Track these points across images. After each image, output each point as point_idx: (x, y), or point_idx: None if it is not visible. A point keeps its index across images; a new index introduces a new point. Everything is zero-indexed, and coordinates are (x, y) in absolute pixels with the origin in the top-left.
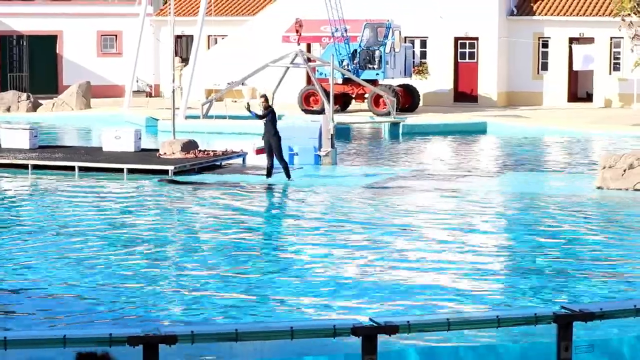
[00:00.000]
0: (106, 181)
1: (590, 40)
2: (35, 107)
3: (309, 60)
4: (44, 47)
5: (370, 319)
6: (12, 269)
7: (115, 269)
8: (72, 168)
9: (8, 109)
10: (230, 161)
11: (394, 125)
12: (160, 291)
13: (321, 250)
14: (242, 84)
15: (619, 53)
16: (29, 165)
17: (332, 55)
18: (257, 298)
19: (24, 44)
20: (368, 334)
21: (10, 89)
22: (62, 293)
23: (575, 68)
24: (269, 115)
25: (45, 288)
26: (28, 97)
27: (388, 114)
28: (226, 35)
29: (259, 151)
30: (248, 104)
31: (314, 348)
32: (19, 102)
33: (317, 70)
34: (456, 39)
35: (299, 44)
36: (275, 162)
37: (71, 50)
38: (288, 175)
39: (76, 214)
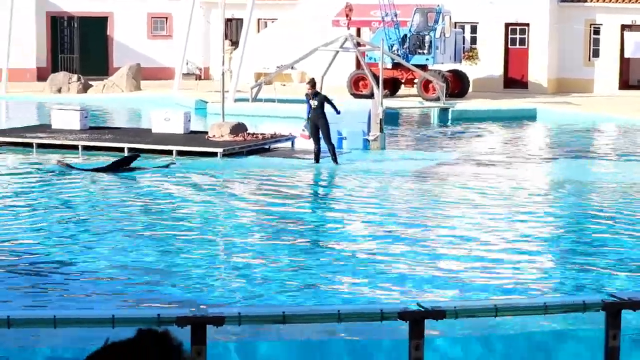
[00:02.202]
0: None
1: None
2: (85, 88)
3: (358, 44)
4: (95, 29)
5: (418, 304)
6: (62, 249)
7: (164, 249)
8: (121, 149)
9: (59, 90)
10: (279, 145)
11: (443, 111)
12: (209, 272)
13: (368, 235)
14: (292, 67)
15: None
16: (79, 146)
17: (381, 39)
18: (304, 281)
19: (75, 25)
20: (415, 319)
21: (61, 71)
22: (110, 273)
23: (627, 55)
24: (320, 101)
25: (95, 270)
26: (79, 79)
27: (437, 99)
28: (276, 19)
29: (303, 135)
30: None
31: (362, 332)
32: (69, 83)
33: (367, 55)
34: (507, 25)
35: (348, 28)
36: (323, 146)
37: (122, 32)
38: (335, 160)
39: (125, 196)
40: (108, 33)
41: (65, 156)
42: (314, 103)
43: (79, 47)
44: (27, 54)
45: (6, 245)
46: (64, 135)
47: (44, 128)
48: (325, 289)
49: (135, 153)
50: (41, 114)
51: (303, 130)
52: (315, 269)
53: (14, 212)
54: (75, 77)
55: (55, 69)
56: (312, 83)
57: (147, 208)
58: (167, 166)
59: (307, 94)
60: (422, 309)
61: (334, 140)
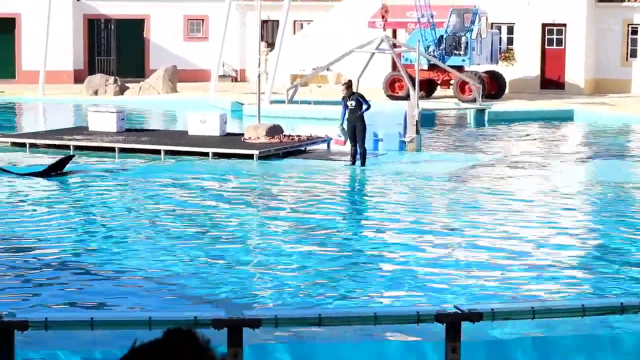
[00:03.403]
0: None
1: None
2: (122, 90)
3: (394, 46)
4: (132, 31)
5: (455, 306)
6: (97, 251)
7: (202, 252)
8: (157, 151)
9: (96, 93)
10: (315, 146)
11: (480, 112)
12: (245, 274)
13: (405, 236)
14: (328, 69)
15: None
16: (116, 148)
17: (417, 41)
18: (340, 283)
19: (112, 27)
20: (452, 321)
21: (98, 73)
22: (146, 275)
23: None
24: (356, 100)
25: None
26: (115, 81)
27: (474, 100)
28: (312, 21)
29: (338, 141)
30: (342, 126)
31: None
32: (106, 85)
33: (403, 56)
34: (543, 25)
35: (384, 30)
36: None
37: (158, 34)
38: (363, 163)
39: (164, 196)
40: (144, 35)
41: (102, 159)
42: (350, 104)
43: (116, 49)
44: (65, 57)
45: (43, 248)
46: (100, 138)
47: (81, 130)
48: (361, 292)
49: (70, 154)
50: (78, 116)
51: (339, 136)
52: (350, 272)
53: (49, 215)
54: (112, 79)
55: (92, 71)
56: (348, 84)
57: (182, 211)
58: (68, 159)
59: (343, 97)
60: (459, 311)
61: (370, 142)
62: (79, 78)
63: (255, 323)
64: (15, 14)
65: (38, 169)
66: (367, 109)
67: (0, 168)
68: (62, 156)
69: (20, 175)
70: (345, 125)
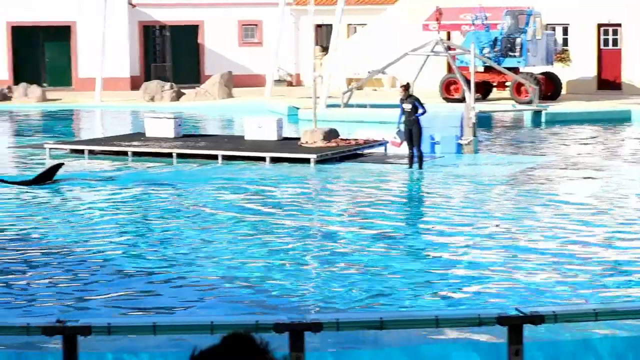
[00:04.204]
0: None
1: None
2: (178, 96)
3: (449, 48)
4: (186, 37)
5: (516, 309)
6: (158, 256)
7: (261, 256)
8: (215, 157)
9: (152, 99)
10: (372, 150)
11: (536, 114)
12: (307, 278)
13: (464, 239)
14: (383, 72)
15: None
16: (173, 154)
17: (472, 43)
18: (399, 286)
19: (167, 34)
20: (514, 324)
21: (154, 79)
22: (208, 280)
23: None
24: (412, 104)
25: (193, 277)
26: (171, 87)
27: (530, 102)
28: (366, 24)
29: (394, 143)
30: (398, 128)
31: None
32: (162, 91)
33: (458, 59)
34: (599, 25)
35: (439, 32)
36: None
37: (212, 40)
38: (420, 165)
39: (222, 201)
40: (199, 41)
41: (159, 165)
42: (407, 106)
43: (171, 55)
44: (121, 64)
45: (102, 253)
46: (157, 143)
47: (139, 136)
48: (420, 295)
49: (59, 162)
50: (135, 122)
51: (394, 137)
52: (408, 275)
53: (112, 220)
54: (167, 85)
55: (148, 78)
56: (406, 87)
57: (241, 216)
58: (57, 167)
59: (401, 99)
60: (521, 314)
61: (427, 145)
62: (135, 85)
63: (316, 327)
64: (71, 22)
65: (27, 178)
66: (422, 113)
67: None
68: (52, 164)
69: (10, 184)
70: (402, 128)
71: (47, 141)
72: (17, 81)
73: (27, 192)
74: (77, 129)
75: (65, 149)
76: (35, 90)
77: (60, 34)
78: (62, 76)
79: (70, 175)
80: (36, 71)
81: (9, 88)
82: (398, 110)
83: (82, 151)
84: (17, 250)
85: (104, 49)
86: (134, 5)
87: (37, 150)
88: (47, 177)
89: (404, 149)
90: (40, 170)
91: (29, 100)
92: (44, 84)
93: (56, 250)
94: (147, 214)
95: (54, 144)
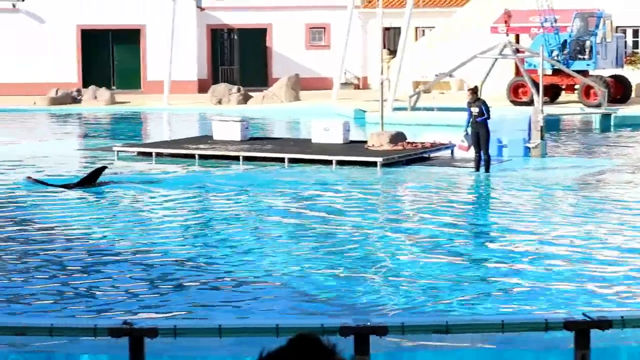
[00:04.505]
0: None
1: None
2: (245, 99)
3: (517, 51)
4: (254, 40)
5: (584, 314)
6: (223, 259)
7: (326, 259)
8: (281, 159)
9: (219, 102)
10: (439, 153)
11: (605, 117)
12: (371, 282)
13: (530, 244)
14: (450, 75)
15: None
16: (240, 157)
17: (541, 46)
18: (465, 290)
19: (235, 37)
20: (581, 329)
21: (222, 82)
22: (274, 283)
23: None
24: (479, 107)
25: (257, 280)
26: (239, 90)
27: (599, 105)
28: (434, 27)
29: (461, 147)
30: (466, 131)
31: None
32: (230, 94)
33: (526, 61)
34: None
35: (507, 35)
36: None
37: (280, 43)
38: (487, 169)
39: (288, 203)
40: (267, 44)
41: (221, 166)
42: (474, 110)
43: (239, 58)
44: (189, 67)
45: (166, 256)
46: (225, 146)
47: (206, 139)
48: (485, 300)
49: (103, 165)
50: (203, 125)
51: (462, 141)
52: (473, 279)
53: (175, 223)
54: (235, 88)
55: (215, 81)
56: (474, 90)
57: (307, 220)
58: (101, 170)
59: (468, 102)
60: (588, 319)
61: (494, 149)
62: (202, 88)
63: (382, 330)
64: (140, 25)
65: (71, 181)
66: (485, 119)
67: (37, 180)
68: (95, 167)
69: (53, 186)
70: (469, 131)
71: (115, 144)
72: (86, 84)
73: (90, 194)
74: (144, 131)
75: (133, 152)
76: (104, 93)
77: (130, 37)
78: (130, 79)
79: (129, 179)
80: (105, 74)
81: (79, 91)
82: (465, 114)
83: (149, 154)
84: (84, 252)
85: (173, 52)
86: (202, 9)
87: (106, 152)
88: (90, 180)
89: (472, 152)
90: (88, 171)
91: (98, 103)
92: (113, 87)
93: (122, 253)
94: (209, 217)
95: (121, 146)
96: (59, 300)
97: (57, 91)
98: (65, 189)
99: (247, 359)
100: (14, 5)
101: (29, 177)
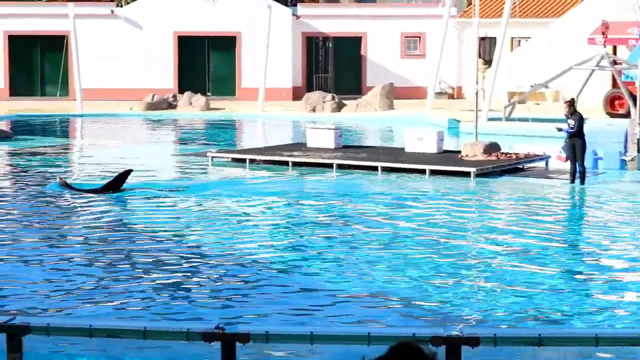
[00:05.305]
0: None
1: None
2: (339, 107)
3: (615, 62)
4: (349, 49)
5: None
6: (311, 265)
7: (418, 267)
8: (374, 168)
9: (313, 109)
10: (533, 164)
11: None
12: (461, 291)
13: (623, 258)
14: (546, 86)
15: None
16: (334, 165)
17: (639, 57)
18: (557, 303)
19: (329, 45)
20: None
21: (316, 90)
22: (364, 290)
23: None
24: (576, 120)
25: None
26: (333, 98)
27: None
28: (530, 37)
29: (560, 157)
30: (565, 143)
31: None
32: (324, 102)
33: (623, 73)
34: None
35: (605, 46)
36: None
37: (375, 52)
38: (583, 181)
39: (376, 212)
40: (362, 53)
41: (320, 174)
42: (570, 123)
43: (333, 66)
44: (284, 74)
45: (261, 261)
46: (318, 154)
47: (300, 146)
48: (576, 313)
49: (128, 169)
50: (297, 132)
51: (560, 152)
52: (566, 292)
53: (265, 230)
54: (329, 96)
55: (309, 88)
56: (571, 102)
57: (397, 228)
58: (126, 174)
59: (565, 114)
60: None
61: (590, 161)
62: (297, 95)
63: (474, 341)
64: (236, 32)
65: (96, 186)
66: (568, 130)
67: (65, 184)
68: (121, 172)
69: (79, 191)
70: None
71: (210, 149)
72: (182, 90)
73: (179, 198)
74: (239, 138)
75: (227, 158)
76: (199, 99)
77: (226, 44)
78: (225, 85)
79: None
80: (201, 80)
81: (174, 97)
82: (563, 125)
83: (243, 160)
84: (175, 257)
85: (268, 60)
86: (298, 17)
87: (200, 158)
88: (115, 185)
89: (567, 164)
90: (113, 176)
91: (193, 109)
92: (208, 93)
93: (213, 257)
94: (299, 225)
95: (216, 152)
96: (150, 305)
97: (153, 96)
98: (90, 194)
99: None
100: (112, 11)
101: (60, 179)
